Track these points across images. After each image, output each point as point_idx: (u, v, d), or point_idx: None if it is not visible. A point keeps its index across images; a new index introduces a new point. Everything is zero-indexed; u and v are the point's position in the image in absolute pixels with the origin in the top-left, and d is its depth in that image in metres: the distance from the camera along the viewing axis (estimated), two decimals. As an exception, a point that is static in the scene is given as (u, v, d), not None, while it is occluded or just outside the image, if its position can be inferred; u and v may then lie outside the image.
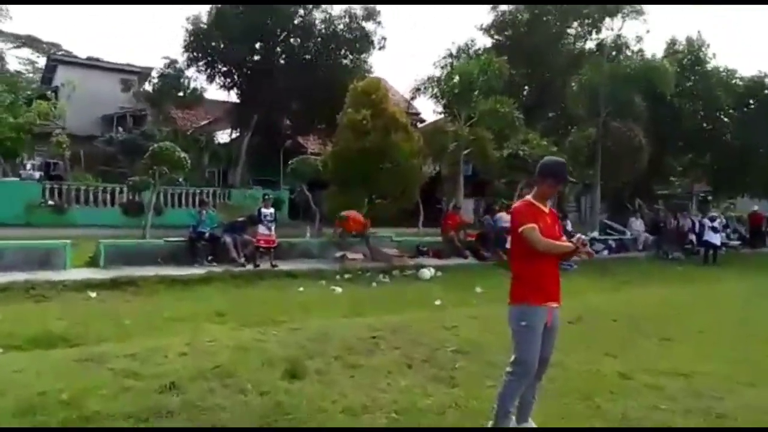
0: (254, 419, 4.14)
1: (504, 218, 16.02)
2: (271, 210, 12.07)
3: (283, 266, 11.50)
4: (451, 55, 19.80)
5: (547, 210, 3.87)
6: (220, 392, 4.61)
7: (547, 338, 3.84)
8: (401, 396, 4.70)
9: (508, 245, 14.58)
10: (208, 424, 4.04)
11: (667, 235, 19.07)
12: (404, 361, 5.69)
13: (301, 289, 10.10)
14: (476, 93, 15.13)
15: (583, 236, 3.82)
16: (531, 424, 4.00)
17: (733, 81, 20.96)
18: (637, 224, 19.95)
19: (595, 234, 18.74)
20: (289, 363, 5.28)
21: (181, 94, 22.24)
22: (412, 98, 17.35)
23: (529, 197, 3.91)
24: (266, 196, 12.82)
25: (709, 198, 25.05)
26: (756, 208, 23.36)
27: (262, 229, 11.76)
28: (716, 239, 17.32)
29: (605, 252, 17.73)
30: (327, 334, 6.60)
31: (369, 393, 4.73)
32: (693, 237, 19.62)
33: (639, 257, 17.86)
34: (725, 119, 20.71)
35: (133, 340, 6.38)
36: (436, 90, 16.68)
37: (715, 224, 17.46)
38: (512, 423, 3.88)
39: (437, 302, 9.27)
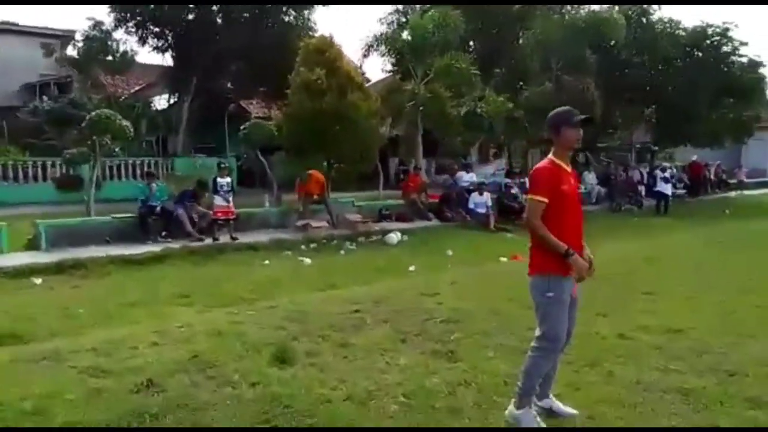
0: (251, 415, 3.69)
1: (464, 177, 15.88)
2: (228, 179, 11.34)
3: (244, 239, 10.89)
4: (397, 11, 19.14)
5: (569, 169, 3.53)
6: (205, 386, 4.12)
7: (572, 309, 3.55)
8: (404, 376, 4.34)
9: (470, 205, 14.54)
10: (201, 425, 3.57)
11: (618, 187, 19.44)
12: (396, 336, 5.34)
13: (267, 262, 9.56)
14: (432, 49, 14.57)
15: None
16: (552, 401, 3.74)
17: (677, 32, 21.22)
18: (590, 178, 20.23)
19: (551, 189, 18.83)
20: (275, 347, 4.84)
21: (110, 58, 20.64)
22: (365, 56, 16.71)
23: (550, 156, 3.51)
24: (222, 164, 12.02)
25: (655, 149, 25.71)
26: (695, 158, 24.17)
27: (218, 200, 11.06)
28: (668, 190, 17.81)
29: (561, 207, 17.86)
30: (306, 311, 6.16)
31: (370, 375, 4.35)
32: (642, 188, 20.14)
33: (594, 210, 18.09)
34: (670, 71, 21.01)
35: (90, 331, 5.75)
36: (389, 47, 16.03)
37: (667, 174, 17.90)
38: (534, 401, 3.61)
39: (411, 268, 8.96)
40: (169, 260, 9.42)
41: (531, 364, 3.50)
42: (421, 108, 15.18)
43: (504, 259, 9.70)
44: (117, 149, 15.23)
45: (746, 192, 25.93)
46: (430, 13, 14.83)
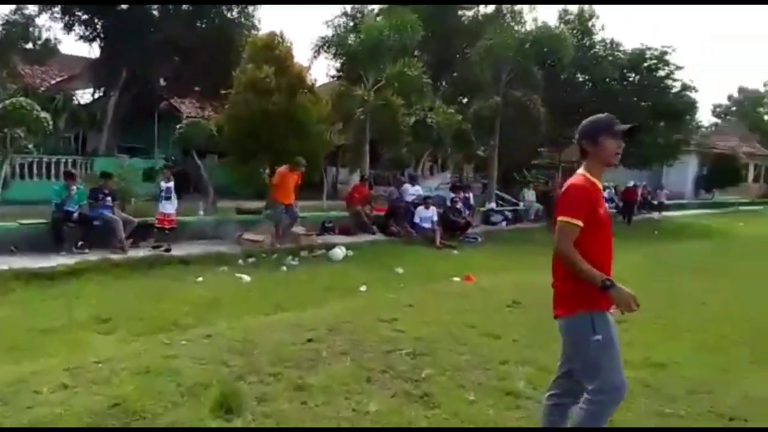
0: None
1: (410, 190, 15.39)
2: (172, 183, 10.27)
3: (175, 251, 9.82)
4: (345, 14, 18.52)
5: (601, 187, 2.98)
6: (129, 449, 3.28)
7: None
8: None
9: (416, 219, 13.98)
10: None
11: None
12: (360, 374, 4.63)
13: (200, 278, 8.57)
14: (387, 53, 13.97)
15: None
16: None
17: (616, 54, 21.76)
18: (530, 195, 20.29)
19: (493, 205, 18.75)
20: (218, 389, 4.01)
21: (30, 45, 18.82)
22: (314, 58, 15.89)
23: (582, 171, 2.94)
24: (166, 166, 10.87)
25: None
26: (631, 183, 24.69)
27: (167, 206, 10.00)
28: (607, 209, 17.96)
29: (503, 223, 17.78)
30: (251, 340, 5.33)
31: (336, 427, 3.64)
32: (579, 206, 20.31)
33: (533, 228, 18.11)
34: (609, 91, 21.47)
35: (-17, 366, 4.70)
36: (338, 50, 15.34)
37: (605, 194, 18.13)
38: None
39: (362, 288, 8.26)
40: (86, 275, 8.22)
41: (588, 419, 2.83)
42: (369, 115, 14.54)
43: (457, 279, 9.19)
44: (30, 145, 13.64)
45: (667, 213, 26.81)
46: (387, 15, 14.25)
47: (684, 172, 33.39)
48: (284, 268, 9.79)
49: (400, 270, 9.79)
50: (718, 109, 64.72)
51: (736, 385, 4.68)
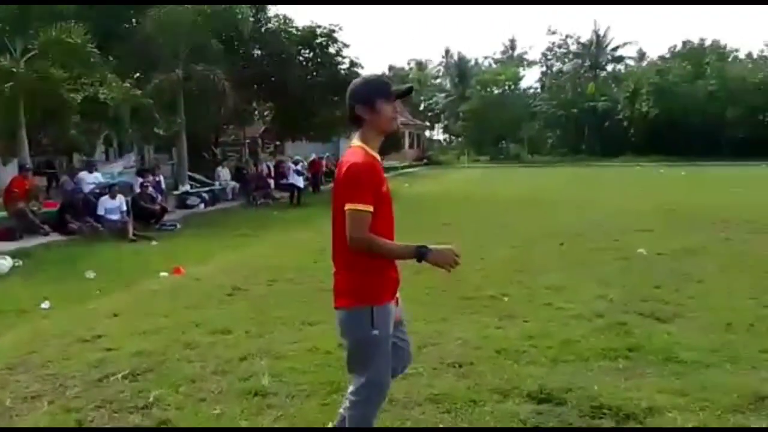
0: None
1: (88, 179, 13.30)
2: None
3: None
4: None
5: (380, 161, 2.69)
6: None
7: (402, 336, 2.82)
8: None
9: (100, 211, 12.25)
10: None
11: (251, 181, 19.45)
12: (65, 419, 3.65)
13: None
14: (37, 17, 11.34)
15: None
16: None
17: (290, 30, 22.33)
18: (224, 173, 19.71)
19: (188, 187, 17.62)
20: None
21: None
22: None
23: (358, 142, 2.61)
24: None
25: (277, 144, 26.81)
26: (314, 156, 26.09)
27: None
28: (300, 182, 18.66)
29: (201, 205, 16.88)
30: None
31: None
32: (271, 181, 20.64)
33: (233, 207, 17.68)
34: (288, 67, 21.96)
35: None
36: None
37: (299, 167, 18.73)
38: None
39: (44, 305, 6.67)
40: None
41: (357, 421, 2.61)
42: (22, 92, 11.76)
43: (164, 274, 8.23)
44: None
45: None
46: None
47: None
48: None
49: (91, 274, 8.27)
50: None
51: (452, 335, 5.11)
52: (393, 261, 2.61)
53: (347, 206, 2.41)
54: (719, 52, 53.53)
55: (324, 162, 27.93)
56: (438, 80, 73.34)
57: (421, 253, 2.43)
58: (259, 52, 21.65)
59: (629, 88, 50.67)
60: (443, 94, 67.21)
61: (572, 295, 6.34)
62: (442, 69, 74.79)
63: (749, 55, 54.40)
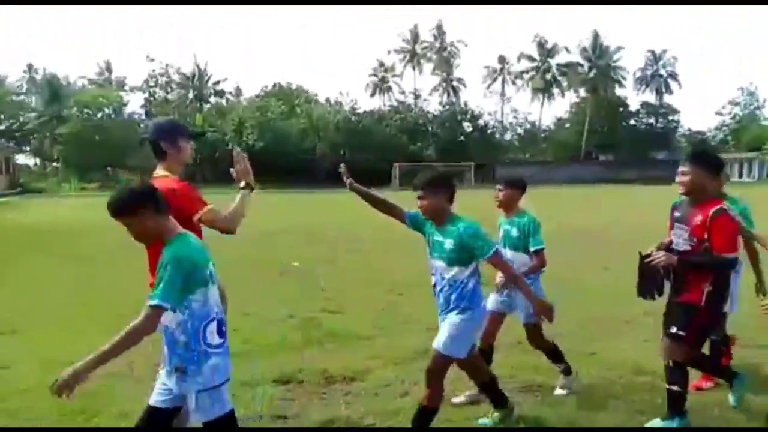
0: None
1: None
2: None
3: None
4: None
5: None
6: None
7: None
8: None
9: None
10: None
11: None
12: None
13: None
14: None
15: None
16: None
17: None
18: None
19: None
20: None
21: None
22: None
23: (164, 172, 3.08)
24: None
25: None
26: None
27: None
28: None
29: None
30: None
31: None
32: None
33: None
34: None
35: None
36: None
37: None
38: None
39: None
40: None
41: None
42: None
43: None
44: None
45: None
46: None
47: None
48: None
49: None
50: None
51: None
52: None
53: (204, 210, 3.00)
54: (306, 95, 62.49)
55: None
56: (21, 97, 63.82)
57: None
58: None
59: (235, 121, 54.27)
60: (34, 114, 58.86)
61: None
62: (24, 85, 65.76)
63: (327, 99, 64.78)
